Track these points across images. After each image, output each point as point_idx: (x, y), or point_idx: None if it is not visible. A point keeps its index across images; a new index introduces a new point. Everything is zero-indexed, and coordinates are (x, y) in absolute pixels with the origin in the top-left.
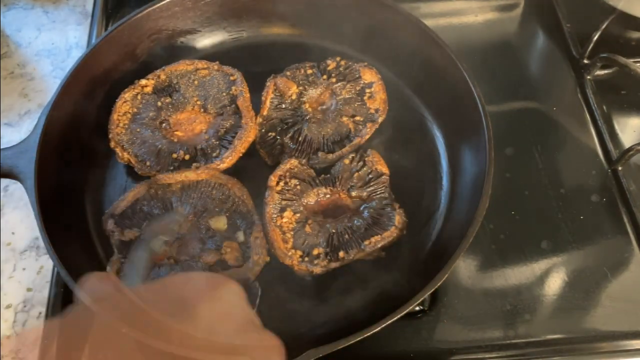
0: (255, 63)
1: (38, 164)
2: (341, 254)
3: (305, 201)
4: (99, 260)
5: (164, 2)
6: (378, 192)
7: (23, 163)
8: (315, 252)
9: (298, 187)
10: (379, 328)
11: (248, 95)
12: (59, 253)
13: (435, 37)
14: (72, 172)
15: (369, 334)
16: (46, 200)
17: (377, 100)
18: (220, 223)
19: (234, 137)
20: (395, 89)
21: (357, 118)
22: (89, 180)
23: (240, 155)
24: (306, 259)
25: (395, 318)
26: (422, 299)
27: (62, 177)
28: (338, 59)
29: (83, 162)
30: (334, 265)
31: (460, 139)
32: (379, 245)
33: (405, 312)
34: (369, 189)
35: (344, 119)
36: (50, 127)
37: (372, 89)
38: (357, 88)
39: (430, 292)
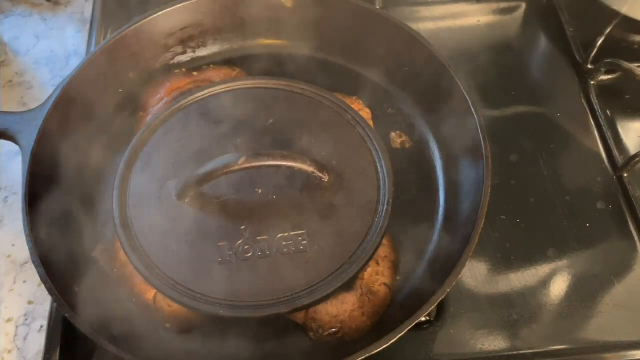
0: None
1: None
2: None
3: None
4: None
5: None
6: None
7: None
8: None
9: None
10: (386, 346)
11: None
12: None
13: (422, 40)
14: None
15: (376, 351)
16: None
17: None
18: None
19: None
20: (390, 101)
21: None
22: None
23: None
24: None
25: (399, 336)
26: (428, 311)
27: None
28: None
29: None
30: None
31: (460, 168)
32: None
33: (409, 327)
34: None
35: None
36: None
37: None
38: None
39: (435, 304)
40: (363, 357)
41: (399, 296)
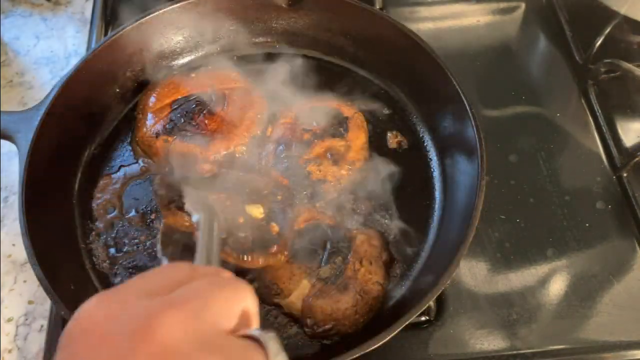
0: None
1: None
2: None
3: None
4: (77, 241)
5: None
6: None
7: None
8: None
9: None
10: (380, 343)
11: None
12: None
13: (420, 40)
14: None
15: (370, 349)
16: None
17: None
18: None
19: None
20: (388, 101)
21: None
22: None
23: None
24: None
25: (393, 334)
26: (422, 309)
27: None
28: None
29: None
30: None
31: (456, 167)
32: None
33: (403, 325)
34: None
35: None
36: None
37: None
38: None
39: (429, 302)
40: (359, 355)
41: (396, 295)
